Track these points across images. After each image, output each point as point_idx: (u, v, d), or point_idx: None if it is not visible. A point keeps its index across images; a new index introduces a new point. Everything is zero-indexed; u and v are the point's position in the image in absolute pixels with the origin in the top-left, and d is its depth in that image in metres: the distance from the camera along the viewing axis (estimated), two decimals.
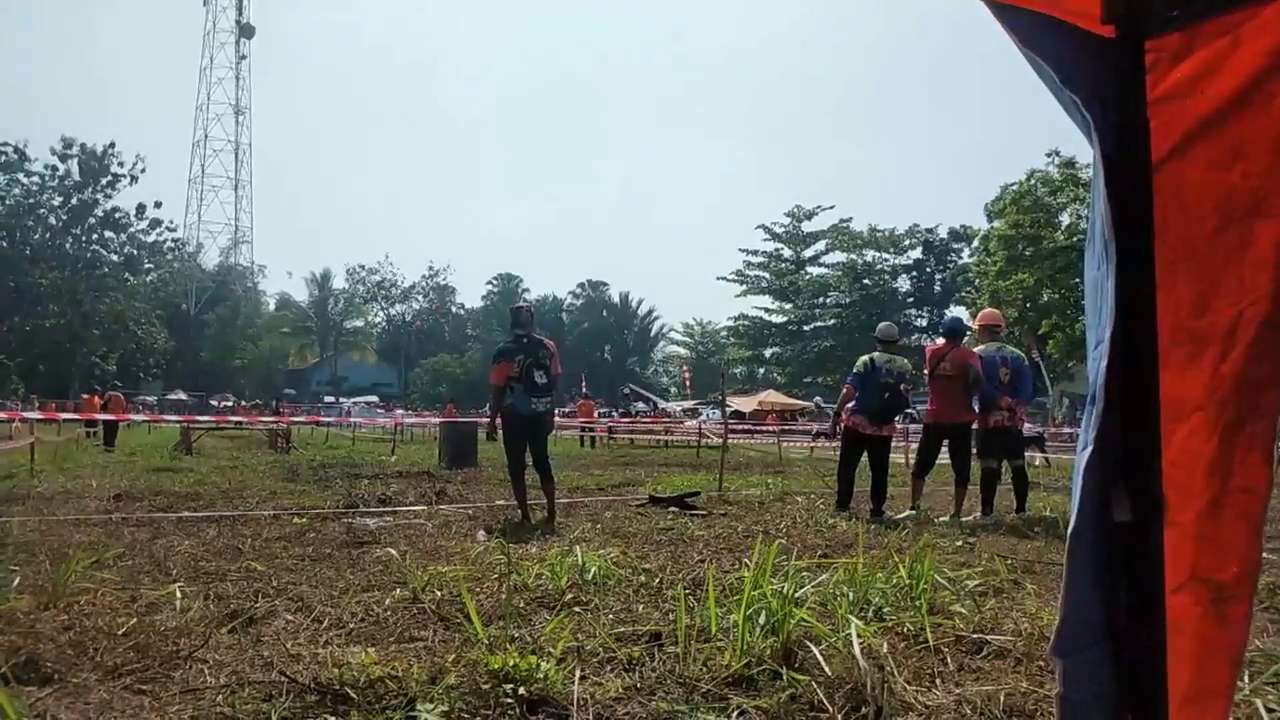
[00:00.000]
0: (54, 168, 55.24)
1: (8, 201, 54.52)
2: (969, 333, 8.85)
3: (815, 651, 3.18)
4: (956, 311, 56.83)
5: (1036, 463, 15.54)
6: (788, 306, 63.29)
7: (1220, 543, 1.34)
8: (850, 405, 8.53)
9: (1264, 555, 5.11)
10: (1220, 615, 1.34)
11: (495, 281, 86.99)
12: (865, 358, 8.50)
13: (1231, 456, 1.33)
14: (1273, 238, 1.29)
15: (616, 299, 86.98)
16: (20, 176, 54.81)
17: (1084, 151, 1.41)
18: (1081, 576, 1.38)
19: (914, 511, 8.05)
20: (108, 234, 58.47)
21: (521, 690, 2.89)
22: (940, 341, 8.80)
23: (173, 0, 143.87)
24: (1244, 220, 1.31)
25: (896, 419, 8.55)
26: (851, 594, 4.07)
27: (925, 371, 8.50)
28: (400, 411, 49.02)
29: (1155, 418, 1.31)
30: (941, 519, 7.92)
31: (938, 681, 3.16)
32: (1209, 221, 1.33)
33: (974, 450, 8.63)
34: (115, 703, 2.90)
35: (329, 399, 64.75)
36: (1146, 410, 1.31)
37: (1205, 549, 1.34)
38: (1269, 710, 2.85)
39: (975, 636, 3.64)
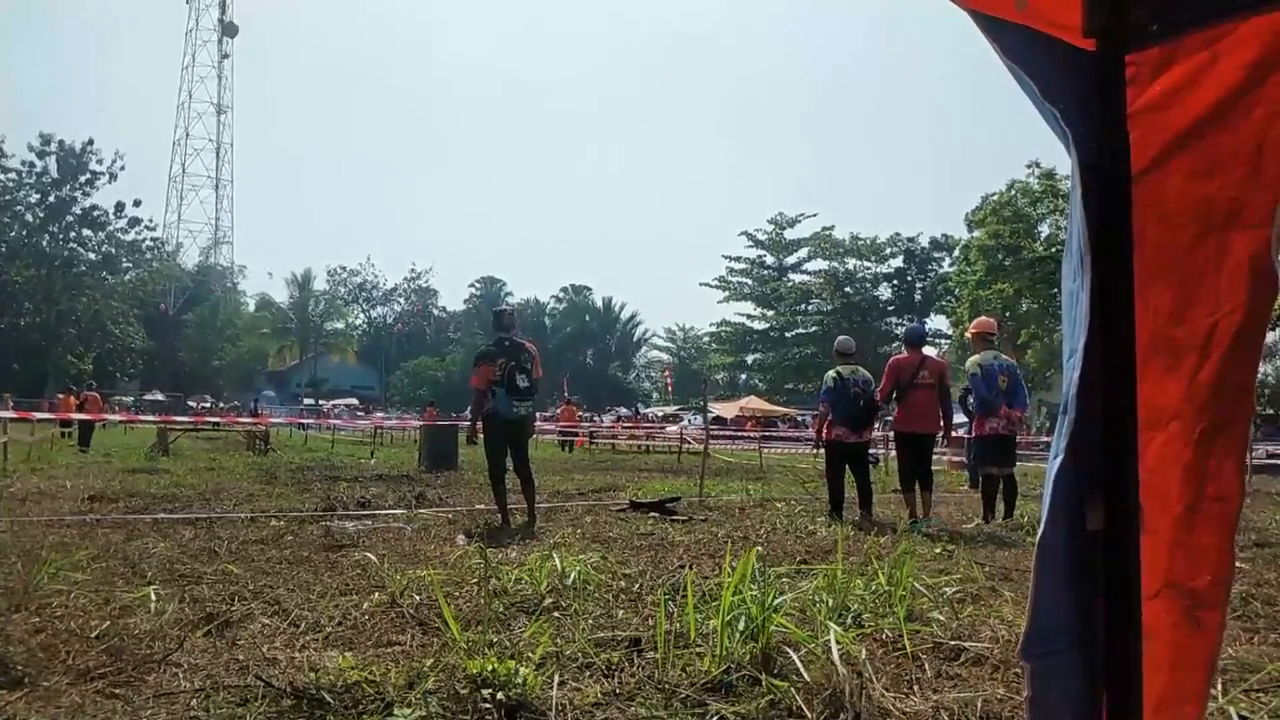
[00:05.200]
0: (31, 164, 54.48)
1: None
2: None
3: (794, 657, 3.19)
4: (936, 320, 57.35)
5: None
6: (769, 313, 63.48)
7: (1195, 550, 1.36)
8: (829, 419, 8.63)
9: (1237, 564, 5.15)
10: (1194, 622, 1.36)
11: (478, 284, 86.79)
12: (832, 373, 8.65)
13: (1207, 464, 1.35)
14: (1248, 248, 1.31)
15: (599, 303, 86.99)
16: None
17: (1064, 163, 1.43)
18: (1050, 582, 1.39)
19: (916, 521, 8.11)
20: (85, 232, 57.69)
21: (500, 695, 2.87)
22: (905, 352, 8.81)
23: None
24: (1221, 231, 1.33)
25: (875, 424, 8.62)
26: (830, 600, 4.08)
27: (898, 382, 8.45)
28: (380, 414, 48.76)
29: (1133, 426, 1.33)
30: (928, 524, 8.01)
31: (915, 688, 3.17)
32: (1187, 232, 1.35)
33: (970, 458, 8.74)
34: (87, 706, 2.87)
35: (308, 401, 64.28)
36: (1124, 418, 1.32)
37: (1180, 556, 1.36)
38: (1242, 718, 2.88)
39: (953, 643, 3.66)
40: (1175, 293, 1.35)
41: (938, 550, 6.30)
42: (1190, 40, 1.33)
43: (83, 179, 55.79)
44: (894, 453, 10.56)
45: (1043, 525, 1.39)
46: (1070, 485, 1.38)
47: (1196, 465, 1.35)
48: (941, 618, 4.04)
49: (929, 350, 9.16)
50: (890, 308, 61.19)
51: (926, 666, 3.39)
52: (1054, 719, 1.40)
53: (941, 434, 8.59)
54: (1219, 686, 3.10)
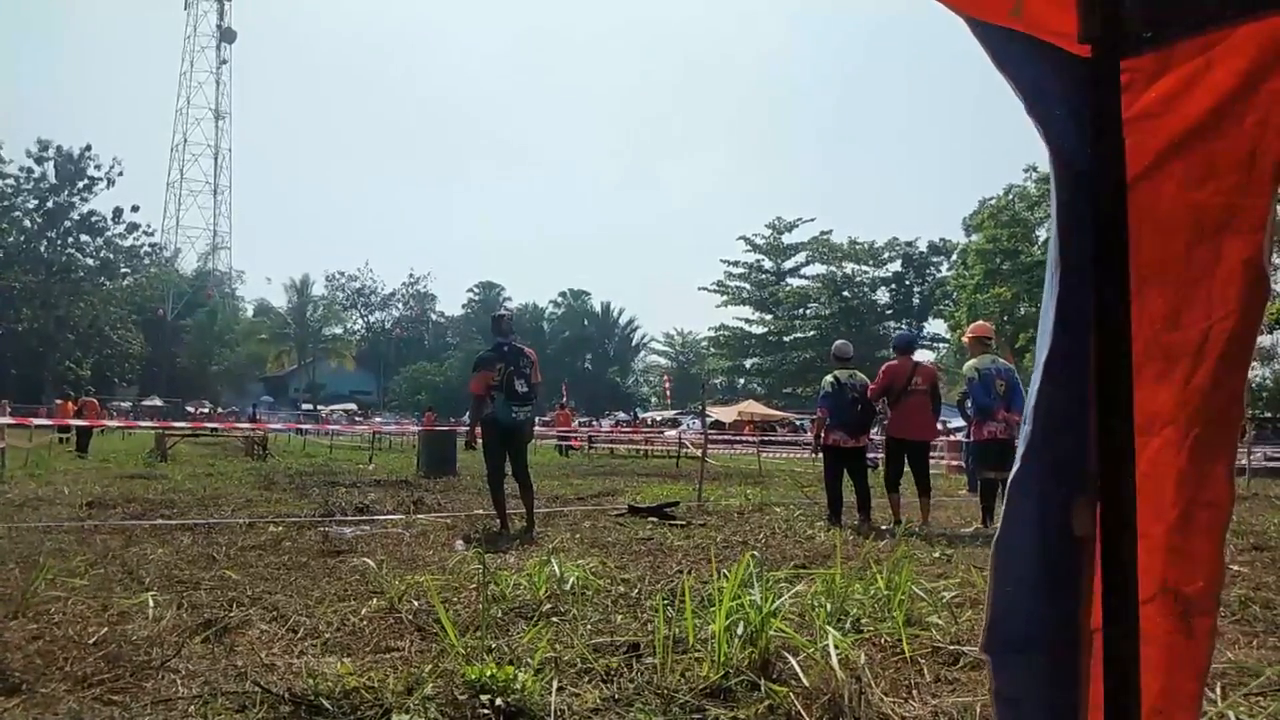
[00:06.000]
0: (29, 170, 54.59)
1: None
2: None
3: (793, 662, 3.19)
4: (934, 325, 57.43)
5: None
6: (768, 318, 63.55)
7: (1188, 555, 1.37)
8: (827, 424, 8.66)
9: (1236, 568, 5.13)
10: (1187, 628, 1.36)
11: (476, 289, 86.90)
12: (829, 378, 8.72)
13: (1199, 470, 1.35)
14: (1241, 254, 1.32)
15: (598, 308, 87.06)
16: None
17: None
18: (1007, 581, 1.42)
19: (900, 525, 8.12)
20: (84, 238, 57.76)
21: (498, 701, 2.87)
22: (896, 359, 8.83)
23: (153, 4, 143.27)
24: (1214, 237, 1.33)
25: (872, 428, 8.67)
26: (829, 605, 4.08)
27: (890, 387, 8.51)
28: (379, 419, 48.72)
29: (1130, 432, 1.33)
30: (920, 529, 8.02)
31: (914, 693, 3.17)
32: (1181, 238, 1.36)
33: (968, 462, 8.79)
34: (85, 713, 2.86)
35: (306, 406, 64.24)
36: (1121, 425, 1.32)
37: (1174, 561, 1.37)
38: None
39: (952, 648, 3.66)
40: (1169, 299, 1.36)
41: (936, 554, 6.30)
42: (1185, 47, 1.33)
43: (81, 184, 55.88)
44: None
45: (1000, 527, 1.41)
46: (1028, 491, 1.40)
47: (1190, 471, 1.35)
48: (940, 622, 4.04)
49: (926, 355, 9.21)
50: (888, 312, 61.23)
51: (926, 671, 3.39)
52: (1019, 714, 1.42)
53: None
54: (1218, 691, 3.10)
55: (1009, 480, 1.43)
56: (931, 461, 9.25)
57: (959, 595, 4.65)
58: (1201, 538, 1.36)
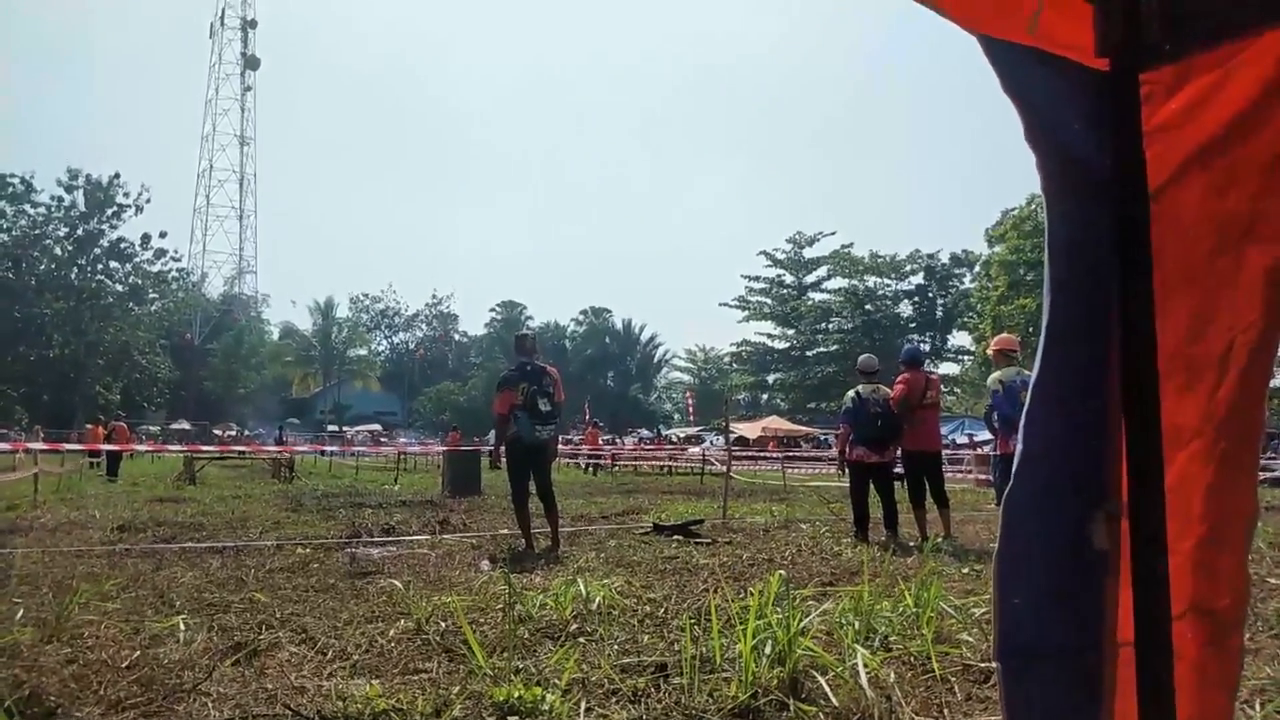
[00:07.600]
0: (60, 198, 55.58)
1: (14, 232, 54.69)
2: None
3: (822, 681, 3.17)
4: (959, 337, 57.00)
5: None
6: (790, 332, 63.35)
7: (1216, 571, 1.35)
8: (850, 439, 8.62)
9: (1274, 581, 5.00)
10: (1218, 645, 1.35)
11: (498, 309, 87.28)
12: (851, 393, 8.73)
13: (1227, 483, 1.34)
14: (1263, 263, 1.31)
15: (619, 326, 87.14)
16: (26, 207, 54.99)
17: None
18: (1013, 594, 1.42)
19: (928, 541, 8.05)
20: (113, 264, 58.67)
21: None
22: (908, 373, 8.76)
23: (179, 32, 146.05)
24: (1236, 246, 1.33)
25: (898, 443, 8.62)
26: (857, 623, 4.05)
27: (910, 401, 8.47)
28: (403, 439, 48.99)
29: (1157, 446, 1.32)
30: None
31: (945, 712, 3.13)
32: (1204, 247, 1.35)
33: (995, 475, 8.77)
34: None
35: (331, 427, 64.73)
36: (1147, 439, 1.31)
37: (1203, 577, 1.35)
38: None
39: (983, 665, 3.61)
40: (1191, 310, 1.35)
41: (965, 570, 6.23)
42: (1204, 58, 1.33)
43: (110, 212, 56.77)
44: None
45: (999, 541, 1.43)
46: (1023, 505, 1.42)
47: (1217, 484, 1.34)
48: (971, 639, 3.99)
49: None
50: (911, 325, 60.84)
51: (956, 689, 3.35)
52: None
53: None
54: (1257, 707, 3.05)
55: (1004, 495, 1.45)
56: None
57: (989, 612, 4.59)
58: (1228, 552, 1.35)
